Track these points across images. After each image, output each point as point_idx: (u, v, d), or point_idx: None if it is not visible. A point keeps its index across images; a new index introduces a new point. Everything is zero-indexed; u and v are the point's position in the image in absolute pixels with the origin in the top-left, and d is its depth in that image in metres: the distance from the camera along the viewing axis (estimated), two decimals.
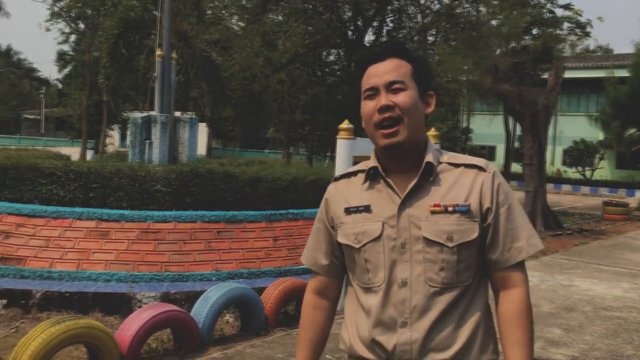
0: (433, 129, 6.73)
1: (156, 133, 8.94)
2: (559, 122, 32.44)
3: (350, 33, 16.77)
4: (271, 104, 16.49)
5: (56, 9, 22.88)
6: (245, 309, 5.30)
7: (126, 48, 13.20)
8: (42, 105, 49.76)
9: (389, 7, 16.22)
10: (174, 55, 9.85)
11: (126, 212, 6.55)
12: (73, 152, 19.97)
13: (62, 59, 30.90)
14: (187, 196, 7.08)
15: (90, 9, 21.70)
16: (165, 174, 7.08)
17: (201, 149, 24.99)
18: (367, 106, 1.59)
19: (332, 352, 4.58)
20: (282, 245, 6.99)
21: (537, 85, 14.34)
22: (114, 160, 10.34)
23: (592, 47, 41.62)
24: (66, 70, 33.94)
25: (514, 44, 14.74)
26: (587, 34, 16.73)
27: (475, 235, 1.53)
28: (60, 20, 23.42)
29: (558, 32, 15.76)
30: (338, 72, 18.18)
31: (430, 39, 16.57)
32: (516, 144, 25.40)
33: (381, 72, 1.57)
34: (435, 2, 16.18)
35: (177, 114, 10.48)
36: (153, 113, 9.31)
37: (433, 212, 1.53)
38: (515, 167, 25.93)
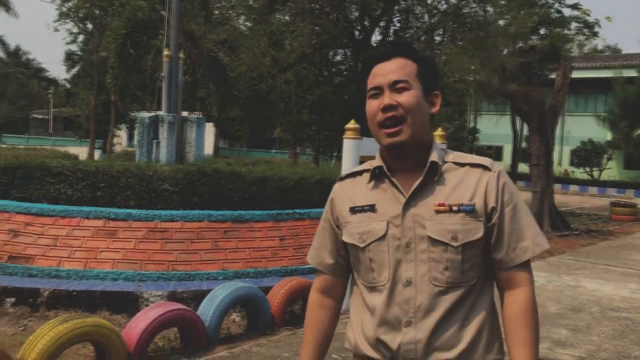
0: (440, 128, 6.73)
1: (163, 133, 8.97)
2: (567, 123, 32.29)
3: (357, 33, 16.77)
4: (278, 104, 16.51)
5: (64, 9, 23.00)
6: (252, 308, 5.31)
7: (134, 48, 13.26)
8: (51, 105, 50.01)
9: (396, 7, 16.21)
10: (181, 55, 9.89)
11: (133, 211, 6.58)
12: (81, 151, 20.06)
13: (70, 59, 31.06)
14: (194, 196, 7.10)
15: (98, 10, 21.79)
16: (173, 173, 7.10)
17: (208, 148, 25.04)
18: (371, 105, 1.60)
19: (338, 352, 4.58)
20: (288, 244, 7.00)
21: (545, 85, 14.29)
22: (122, 160, 10.38)
23: (600, 47, 41.43)
24: (74, 70, 34.12)
25: (521, 44, 14.69)
26: (595, 34, 16.66)
27: (480, 234, 1.53)
28: (68, 20, 23.54)
29: (566, 32, 15.70)
30: (345, 72, 18.18)
31: (437, 38, 16.54)
32: (523, 144, 25.30)
33: (386, 71, 1.58)
34: (443, 2, 16.16)
35: (185, 113, 10.51)
36: (160, 113, 9.34)
37: (438, 212, 1.53)
38: (523, 168, 25.84)
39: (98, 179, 6.96)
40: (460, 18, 15.47)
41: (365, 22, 16.46)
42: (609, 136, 30.69)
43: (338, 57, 18.45)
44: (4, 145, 20.84)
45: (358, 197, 1.65)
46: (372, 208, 1.60)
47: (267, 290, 5.63)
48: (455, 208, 1.53)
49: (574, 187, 30.19)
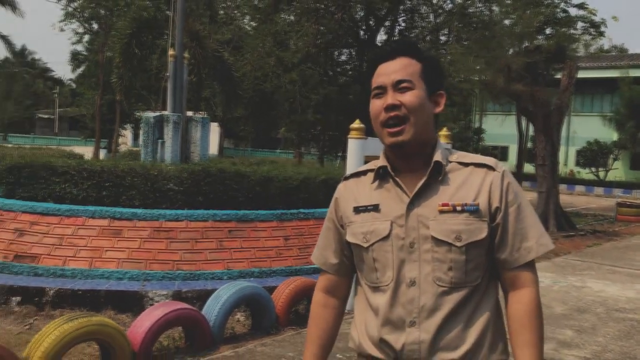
0: (445, 128, 6.72)
1: (168, 132, 8.99)
2: (572, 123, 32.19)
3: (362, 33, 16.76)
4: (283, 104, 16.52)
5: (70, 9, 23.08)
6: (256, 307, 5.32)
7: (139, 48, 13.27)
8: (56, 105, 50.21)
9: (401, 7, 16.20)
10: (186, 55, 9.90)
11: (138, 210, 6.60)
12: (86, 151, 20.13)
13: (75, 59, 31.19)
14: (199, 195, 7.11)
15: (103, 9, 21.87)
16: (178, 173, 7.12)
17: (213, 148, 25.07)
18: (375, 105, 1.60)
19: (342, 352, 4.58)
20: (293, 244, 7.00)
21: (550, 85, 14.25)
22: (127, 160, 10.41)
23: (606, 47, 41.25)
24: (79, 70, 34.27)
25: (527, 44, 14.65)
26: (601, 34, 16.62)
27: (483, 234, 1.53)
28: (74, 20, 23.62)
29: (572, 31, 15.65)
30: (350, 72, 18.18)
31: (443, 38, 16.52)
32: (529, 145, 25.24)
33: (389, 71, 1.58)
34: (448, 1, 16.13)
35: (189, 113, 10.53)
36: (165, 112, 9.36)
37: (441, 212, 1.53)
38: (528, 168, 25.78)
39: (103, 179, 6.98)
40: (465, 18, 15.44)
41: (371, 22, 16.46)
42: (615, 136, 30.59)
43: (343, 57, 18.45)
44: (9, 145, 20.95)
45: (362, 197, 1.65)
46: (376, 208, 1.60)
47: (271, 290, 5.63)
48: (459, 208, 1.52)
49: (579, 188, 30.12)
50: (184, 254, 6.37)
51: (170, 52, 9.53)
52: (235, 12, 22.69)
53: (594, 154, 30.81)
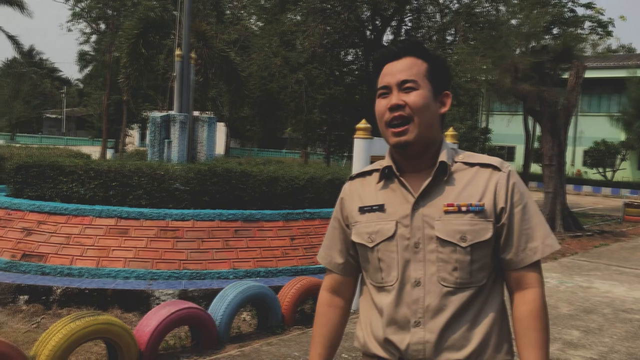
0: (451, 128, 6.71)
1: (175, 132, 9.02)
2: (580, 123, 32.06)
3: (368, 33, 16.76)
4: (289, 104, 16.53)
5: (77, 9, 23.18)
6: (262, 307, 5.33)
7: (146, 48, 13.32)
8: (64, 105, 50.45)
9: (408, 7, 16.19)
10: (193, 55, 9.93)
11: (145, 210, 6.62)
12: (93, 151, 20.22)
13: (83, 59, 31.33)
14: (205, 195, 7.13)
15: (110, 10, 21.96)
16: (184, 172, 7.14)
17: (219, 148, 25.13)
18: (380, 104, 1.60)
19: (348, 351, 4.59)
20: (298, 244, 7.01)
21: (557, 85, 14.20)
22: (134, 159, 10.45)
23: (613, 47, 41.08)
24: (87, 70, 34.43)
25: (533, 44, 14.61)
26: (609, 33, 16.55)
27: (489, 235, 1.53)
28: (81, 20, 23.74)
29: (579, 31, 15.60)
30: (356, 72, 18.18)
31: (449, 38, 16.50)
32: (536, 145, 25.16)
33: (395, 70, 1.58)
34: (455, 1, 16.11)
35: (196, 113, 10.56)
36: (172, 112, 9.39)
37: (447, 212, 1.53)
38: (535, 168, 25.70)
39: (110, 178, 7.01)
40: (472, 17, 15.42)
41: (377, 22, 16.45)
42: (622, 136, 30.43)
43: (349, 57, 18.45)
44: (17, 145, 21.05)
45: (367, 197, 1.65)
46: (381, 208, 1.60)
47: (277, 289, 5.64)
48: (464, 208, 1.52)
49: (586, 188, 29.99)
50: (190, 254, 6.39)
51: (177, 52, 9.56)
52: (242, 12, 22.75)
53: (601, 154, 30.67)
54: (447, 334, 1.51)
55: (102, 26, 24.10)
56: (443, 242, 1.52)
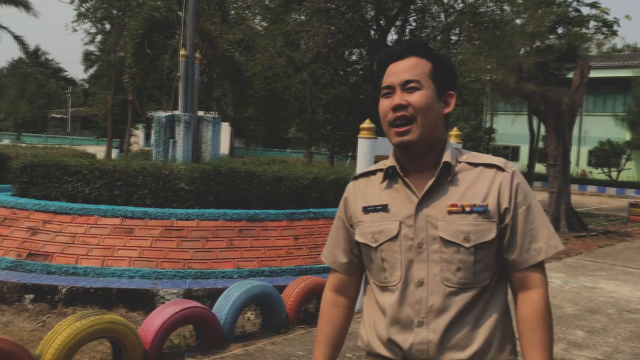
0: (455, 128, 6.71)
1: (180, 132, 9.05)
2: (584, 122, 31.95)
3: (372, 32, 16.76)
4: (293, 104, 16.56)
5: (82, 9, 23.26)
6: (266, 306, 5.34)
7: (151, 48, 13.37)
8: (69, 105, 50.58)
9: (412, 6, 16.18)
10: (197, 55, 9.95)
11: (150, 209, 6.64)
12: (98, 150, 20.27)
13: (88, 59, 31.41)
14: (210, 194, 7.15)
15: (115, 10, 22.01)
16: (189, 172, 7.16)
17: (224, 148, 25.14)
18: (383, 104, 1.60)
19: (352, 350, 4.60)
20: (302, 244, 7.02)
21: (562, 85, 14.16)
22: (139, 159, 10.48)
23: (619, 46, 40.94)
24: (92, 70, 34.53)
25: (538, 43, 14.57)
26: (614, 33, 16.49)
27: (492, 235, 1.52)
28: (86, 20, 23.81)
29: (584, 30, 15.55)
30: (360, 72, 18.19)
31: (454, 38, 16.50)
32: (540, 145, 25.10)
33: (399, 70, 1.58)
34: (459, 1, 16.10)
35: (201, 113, 10.59)
36: (177, 112, 9.41)
37: (450, 212, 1.53)
38: (539, 168, 25.64)
39: (115, 178, 7.04)
40: (476, 17, 15.41)
41: (381, 22, 16.45)
42: (627, 136, 30.31)
43: (354, 57, 18.47)
44: (23, 144, 21.13)
45: (371, 197, 1.65)
46: (384, 208, 1.60)
47: (281, 289, 5.65)
48: (467, 209, 1.52)
49: (591, 188, 29.89)
50: (194, 253, 6.40)
51: (182, 52, 9.58)
52: (247, 12, 22.78)
53: (606, 154, 30.56)
54: (450, 334, 1.51)
55: (107, 26, 24.17)
56: (446, 243, 1.52)
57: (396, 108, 1.56)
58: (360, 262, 1.73)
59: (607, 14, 15.72)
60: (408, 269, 1.55)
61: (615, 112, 31.47)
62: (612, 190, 29.21)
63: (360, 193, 1.69)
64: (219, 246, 6.55)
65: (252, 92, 16.30)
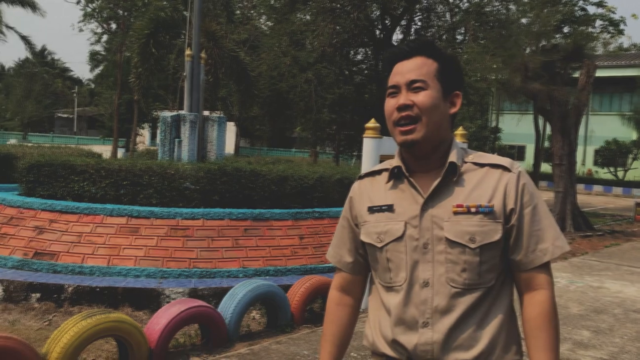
0: (461, 128, 6.70)
1: (185, 132, 9.06)
2: (591, 122, 31.84)
3: (378, 32, 16.75)
4: (298, 103, 16.55)
5: (89, 9, 23.34)
6: (272, 305, 5.35)
7: (156, 48, 13.39)
8: (75, 104, 50.75)
9: (417, 6, 16.16)
10: (203, 55, 9.97)
11: (156, 209, 6.66)
12: (104, 150, 20.36)
13: (94, 58, 31.49)
14: (215, 194, 7.16)
15: (121, 10, 22.08)
16: (194, 172, 7.17)
17: (229, 147, 25.20)
18: (389, 104, 1.60)
19: (357, 350, 4.60)
20: (308, 243, 7.03)
21: (568, 84, 14.11)
22: (144, 158, 10.51)
23: (625, 45, 40.72)
24: (98, 70, 34.62)
25: (544, 43, 14.53)
26: (621, 32, 16.42)
27: (498, 236, 1.52)
28: (92, 20, 23.89)
29: (590, 30, 15.49)
30: (365, 71, 18.17)
31: (459, 37, 16.46)
32: (546, 144, 25.02)
33: (404, 70, 1.58)
34: (464, 0, 16.06)
35: (206, 113, 10.61)
36: (182, 112, 9.43)
37: (456, 213, 1.52)
38: (545, 167, 25.53)
39: (121, 177, 7.06)
40: (482, 16, 15.37)
41: (386, 21, 16.43)
42: (634, 136, 30.19)
43: (359, 56, 18.45)
44: (29, 144, 21.22)
45: (376, 197, 1.65)
46: (390, 208, 1.60)
47: (286, 288, 5.66)
48: (473, 209, 1.52)
49: (597, 188, 29.80)
50: (200, 252, 6.42)
51: (187, 52, 9.60)
52: (252, 11, 22.80)
53: (612, 154, 30.45)
54: (455, 335, 1.50)
55: (113, 26, 24.25)
56: (452, 243, 1.52)
57: (401, 108, 1.56)
58: (365, 262, 1.73)
59: (613, 13, 15.68)
60: (413, 269, 1.55)
61: (621, 112, 31.35)
62: (618, 190, 29.11)
63: (365, 193, 1.69)
64: (224, 245, 6.56)
65: (257, 92, 16.31)
